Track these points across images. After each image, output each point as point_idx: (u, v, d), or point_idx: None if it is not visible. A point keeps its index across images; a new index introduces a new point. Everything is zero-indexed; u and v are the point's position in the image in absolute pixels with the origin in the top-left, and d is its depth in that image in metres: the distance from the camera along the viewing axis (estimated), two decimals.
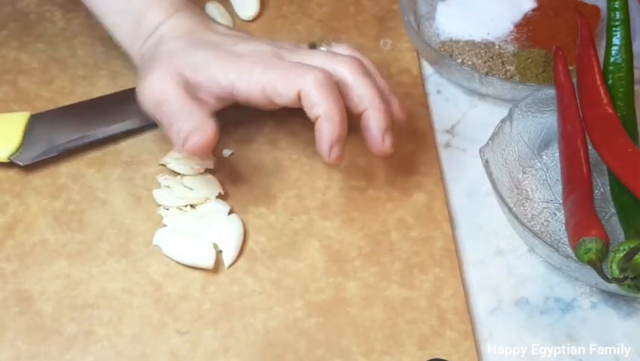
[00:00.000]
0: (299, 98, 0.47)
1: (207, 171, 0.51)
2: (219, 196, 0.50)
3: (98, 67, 0.59)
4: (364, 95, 0.48)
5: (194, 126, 0.46)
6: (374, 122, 0.48)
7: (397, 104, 0.51)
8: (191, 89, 0.48)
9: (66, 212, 0.50)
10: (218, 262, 0.47)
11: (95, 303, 0.46)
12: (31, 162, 0.51)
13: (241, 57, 0.49)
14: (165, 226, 0.49)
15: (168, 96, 0.48)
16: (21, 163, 0.51)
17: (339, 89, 0.48)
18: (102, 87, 0.57)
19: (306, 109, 0.47)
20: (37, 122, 0.53)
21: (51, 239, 0.49)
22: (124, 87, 0.57)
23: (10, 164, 0.51)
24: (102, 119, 0.54)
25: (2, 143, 0.52)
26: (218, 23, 0.54)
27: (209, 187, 0.51)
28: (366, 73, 0.49)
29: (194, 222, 0.49)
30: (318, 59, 0.49)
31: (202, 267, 0.47)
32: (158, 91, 0.48)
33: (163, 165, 0.52)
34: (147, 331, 0.45)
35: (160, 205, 0.50)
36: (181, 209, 0.50)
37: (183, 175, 0.51)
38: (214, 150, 0.52)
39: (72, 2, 0.63)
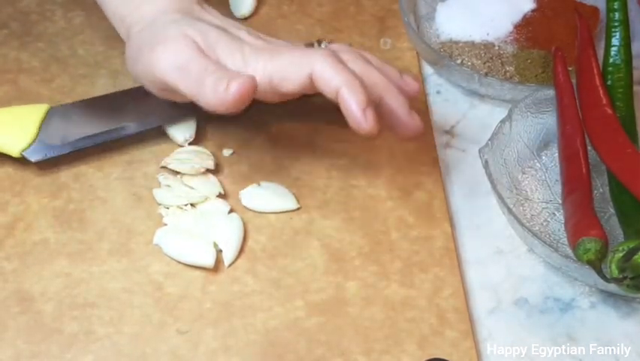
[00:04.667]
0: (310, 81, 0.46)
1: (208, 171, 0.52)
2: (219, 195, 0.51)
3: (99, 66, 0.59)
4: (376, 84, 0.47)
5: (230, 76, 0.45)
6: (350, 99, 0.45)
7: (410, 78, 0.51)
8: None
9: (66, 211, 0.50)
10: (218, 261, 0.48)
11: (95, 302, 0.46)
12: (42, 158, 0.50)
13: (244, 44, 0.48)
14: (165, 225, 0.49)
15: (193, 55, 0.46)
16: (32, 160, 0.50)
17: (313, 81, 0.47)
18: (102, 86, 0.57)
19: (323, 87, 0.45)
20: (54, 116, 0.52)
21: (51, 238, 0.49)
22: (124, 87, 0.57)
23: (17, 160, 0.51)
24: (120, 117, 0.53)
25: (15, 137, 0.50)
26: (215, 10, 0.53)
27: (209, 186, 0.51)
28: (366, 60, 0.49)
29: (194, 221, 0.49)
30: (317, 51, 0.49)
31: (202, 266, 0.47)
32: (180, 53, 0.46)
33: (164, 166, 0.52)
34: (147, 330, 0.45)
35: (160, 204, 0.50)
36: (181, 208, 0.50)
37: (183, 174, 0.51)
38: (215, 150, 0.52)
39: (72, 2, 0.63)
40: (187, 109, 0.51)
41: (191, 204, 0.50)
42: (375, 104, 0.47)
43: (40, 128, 0.51)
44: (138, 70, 0.49)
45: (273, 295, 0.47)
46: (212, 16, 0.51)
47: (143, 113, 0.52)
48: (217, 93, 0.45)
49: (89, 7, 0.62)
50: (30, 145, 0.50)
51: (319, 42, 0.53)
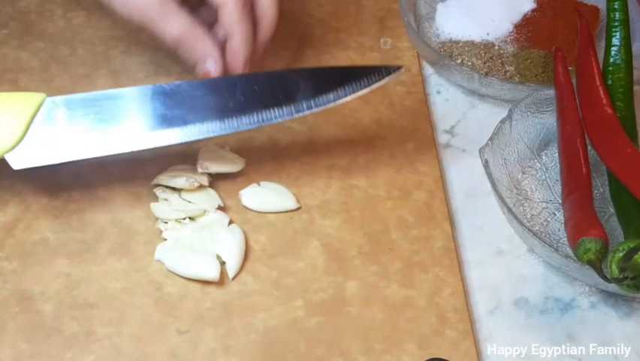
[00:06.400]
0: (221, 6, 0.50)
1: (202, 187, 0.50)
2: (219, 208, 0.50)
3: (98, 65, 0.59)
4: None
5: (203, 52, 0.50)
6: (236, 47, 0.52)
7: (269, 28, 0.54)
8: None
9: (66, 211, 0.50)
10: (222, 273, 0.47)
11: (95, 302, 0.46)
12: (24, 167, 0.45)
13: None
14: (165, 239, 0.48)
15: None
16: (14, 167, 0.45)
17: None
18: (102, 86, 0.57)
19: (226, 22, 0.51)
20: (50, 111, 0.45)
21: (51, 238, 0.49)
22: (124, 86, 0.57)
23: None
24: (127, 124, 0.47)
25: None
26: None
27: (208, 200, 0.50)
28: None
29: (194, 234, 0.48)
30: None
31: (208, 280, 0.47)
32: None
33: (157, 184, 0.51)
34: (147, 330, 0.45)
35: (158, 219, 0.49)
36: (180, 222, 0.49)
37: (181, 189, 0.50)
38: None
39: (72, 1, 0.63)
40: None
41: (190, 218, 0.49)
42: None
43: (30, 124, 0.45)
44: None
45: (273, 295, 0.47)
46: None
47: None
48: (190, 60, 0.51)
49: (89, 6, 0.62)
50: (16, 145, 0.45)
51: None
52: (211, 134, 0.47)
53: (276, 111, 0.48)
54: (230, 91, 0.49)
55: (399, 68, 0.50)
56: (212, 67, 0.51)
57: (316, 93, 0.48)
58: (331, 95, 0.48)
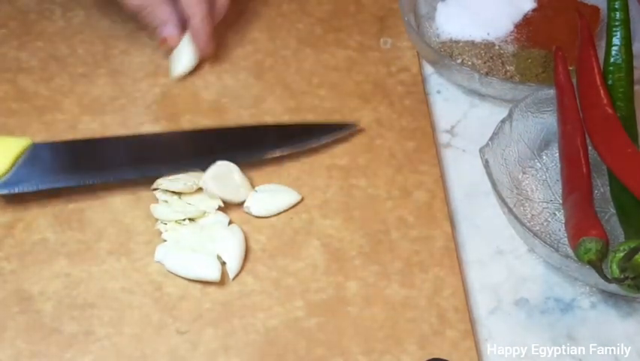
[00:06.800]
0: None
1: (200, 189, 0.50)
2: (219, 208, 0.50)
3: (98, 65, 0.59)
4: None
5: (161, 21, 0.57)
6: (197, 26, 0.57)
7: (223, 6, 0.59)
8: None
9: (66, 211, 0.50)
10: (222, 273, 0.47)
11: (94, 302, 0.46)
12: (11, 192, 0.48)
13: None
14: (165, 241, 0.48)
15: None
16: (0, 191, 0.48)
17: None
18: (101, 85, 0.57)
19: (185, 5, 0.56)
20: (36, 153, 0.49)
21: (51, 238, 0.48)
22: (123, 85, 0.57)
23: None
24: (106, 164, 0.51)
25: None
26: None
27: (208, 201, 0.50)
28: None
29: (194, 235, 0.48)
30: None
31: (209, 280, 0.47)
32: None
33: (156, 188, 0.50)
34: (147, 330, 0.45)
35: (158, 220, 0.49)
36: (180, 223, 0.49)
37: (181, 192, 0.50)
38: None
39: (72, 1, 0.63)
40: (186, 160, 0.51)
41: (190, 219, 0.49)
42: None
43: (14, 163, 0.49)
44: None
45: (273, 295, 0.47)
46: None
47: (135, 161, 0.50)
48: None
49: (89, 6, 0.62)
50: (3, 176, 0.48)
51: None
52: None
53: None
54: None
55: (351, 126, 0.55)
56: (172, 32, 0.57)
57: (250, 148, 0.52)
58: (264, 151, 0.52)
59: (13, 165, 0.48)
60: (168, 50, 0.58)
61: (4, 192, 0.48)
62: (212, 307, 0.46)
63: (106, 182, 0.50)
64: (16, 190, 0.48)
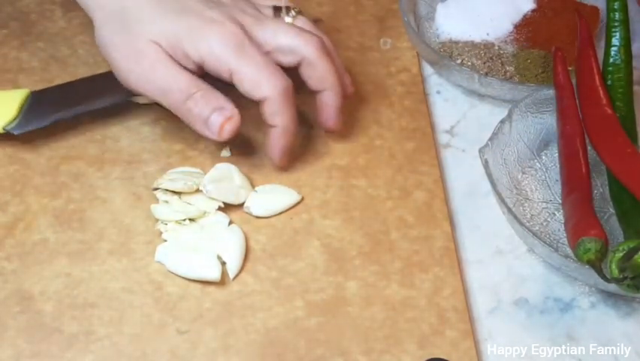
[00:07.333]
0: (262, 100, 0.49)
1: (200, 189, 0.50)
2: (219, 208, 0.50)
3: (98, 65, 0.59)
4: (326, 77, 0.51)
5: (215, 108, 0.49)
6: (332, 101, 0.52)
7: (349, 81, 0.55)
8: (173, 57, 0.49)
9: (66, 211, 0.50)
10: (222, 273, 0.47)
11: (95, 302, 0.46)
12: (24, 131, 0.52)
13: (212, 28, 0.49)
14: (165, 241, 0.48)
15: (168, 73, 0.49)
16: (15, 132, 0.52)
17: (301, 67, 0.51)
18: None
19: (267, 114, 0.50)
20: (35, 99, 0.54)
21: (51, 238, 0.49)
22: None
23: (17, 159, 0.51)
24: (97, 94, 0.55)
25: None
26: None
27: (209, 202, 0.50)
28: (328, 53, 0.52)
29: (194, 235, 0.48)
30: (284, 36, 0.51)
31: (209, 280, 0.47)
32: (153, 71, 0.49)
33: (156, 188, 0.50)
34: (147, 330, 0.45)
35: (158, 220, 0.49)
36: (180, 223, 0.49)
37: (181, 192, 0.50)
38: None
39: (72, 1, 0.63)
40: None
41: (190, 219, 0.49)
42: (315, 92, 0.52)
43: (21, 108, 0.53)
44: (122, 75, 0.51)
45: (273, 295, 0.47)
46: None
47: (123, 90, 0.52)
48: (209, 130, 0.49)
49: None
50: (12, 121, 0.52)
51: (287, 9, 0.54)
52: None
53: None
54: None
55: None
56: (232, 111, 0.49)
57: None
58: None
59: (20, 111, 0.53)
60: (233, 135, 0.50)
61: (18, 131, 0.52)
62: (213, 307, 0.46)
63: (91, 110, 0.54)
64: (28, 129, 0.52)
